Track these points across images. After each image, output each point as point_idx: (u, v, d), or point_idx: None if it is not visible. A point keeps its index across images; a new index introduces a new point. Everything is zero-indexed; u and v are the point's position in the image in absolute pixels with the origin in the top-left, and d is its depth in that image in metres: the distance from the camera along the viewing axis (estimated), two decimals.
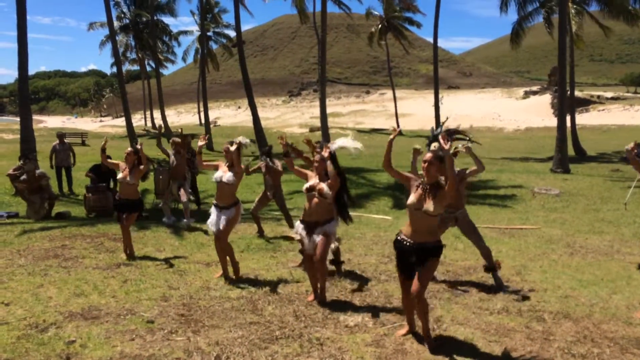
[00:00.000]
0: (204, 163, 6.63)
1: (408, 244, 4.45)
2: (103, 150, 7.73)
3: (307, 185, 5.50)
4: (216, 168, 6.45)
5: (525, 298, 5.75)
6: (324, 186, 5.35)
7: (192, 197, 11.14)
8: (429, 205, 4.33)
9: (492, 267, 6.20)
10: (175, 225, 9.71)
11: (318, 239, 5.41)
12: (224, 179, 6.24)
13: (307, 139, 6.28)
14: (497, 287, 6.07)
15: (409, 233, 4.48)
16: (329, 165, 5.42)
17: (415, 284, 4.38)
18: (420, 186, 4.45)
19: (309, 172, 5.71)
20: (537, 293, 5.94)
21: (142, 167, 7.53)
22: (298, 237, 5.89)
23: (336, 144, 5.57)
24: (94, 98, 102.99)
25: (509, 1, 26.68)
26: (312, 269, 5.56)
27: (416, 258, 4.40)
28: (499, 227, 9.91)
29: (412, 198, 4.44)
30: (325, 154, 5.41)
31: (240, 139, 6.50)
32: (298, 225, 5.66)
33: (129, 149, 7.71)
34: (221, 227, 6.24)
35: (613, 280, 6.45)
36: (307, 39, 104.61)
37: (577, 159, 23.53)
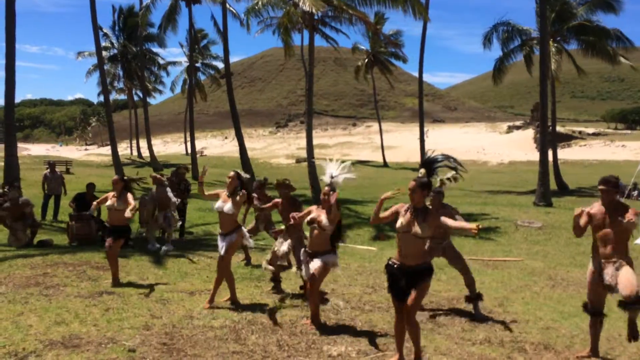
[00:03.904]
0: (207, 193, 6.73)
1: (397, 266, 4.53)
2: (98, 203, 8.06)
3: (308, 218, 5.72)
4: (218, 196, 6.58)
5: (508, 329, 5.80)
6: (322, 219, 5.54)
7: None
8: (417, 228, 4.42)
9: (474, 296, 6.28)
10: (157, 252, 9.71)
11: (315, 265, 5.57)
12: (225, 209, 6.38)
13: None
14: (477, 318, 6.13)
15: (399, 257, 4.56)
16: (334, 205, 5.54)
17: (406, 307, 4.47)
18: (409, 210, 4.54)
19: (310, 208, 5.90)
20: (519, 324, 6.00)
21: (129, 196, 7.56)
22: (271, 269, 6.86)
23: (340, 176, 5.67)
24: (80, 126, 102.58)
25: (492, 38, 27.37)
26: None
27: (407, 281, 4.47)
28: (482, 259, 9.99)
29: (400, 221, 4.53)
30: (333, 199, 5.51)
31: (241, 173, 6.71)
32: (303, 252, 5.88)
33: (116, 176, 7.84)
34: (223, 253, 6.38)
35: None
36: (295, 72, 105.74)
37: (559, 193, 23.84)
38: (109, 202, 7.58)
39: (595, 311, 5.09)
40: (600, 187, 4.97)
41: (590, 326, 5.15)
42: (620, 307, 4.78)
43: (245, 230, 6.68)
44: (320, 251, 5.63)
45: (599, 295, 5.05)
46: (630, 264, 4.85)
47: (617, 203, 4.92)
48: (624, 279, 4.70)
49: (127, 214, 7.15)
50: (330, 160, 5.86)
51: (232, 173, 6.53)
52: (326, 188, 5.64)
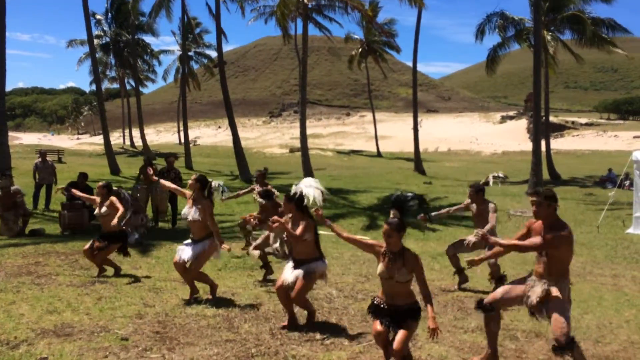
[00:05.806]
0: (172, 186, 6.70)
1: (383, 306, 4.31)
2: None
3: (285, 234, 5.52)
4: (184, 195, 6.31)
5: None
6: (299, 230, 5.29)
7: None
8: (398, 275, 4.20)
9: (499, 277, 6.85)
10: (141, 243, 9.68)
11: (299, 274, 5.26)
12: (190, 217, 6.07)
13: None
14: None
15: (385, 298, 4.34)
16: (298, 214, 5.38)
17: (395, 346, 4.10)
18: (386, 255, 4.29)
19: (286, 219, 5.55)
20: (511, 312, 6.00)
21: (115, 205, 7.29)
22: (256, 254, 7.06)
23: (299, 188, 5.42)
24: (72, 115, 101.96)
25: (485, 29, 27.28)
26: (285, 299, 5.37)
27: (392, 320, 4.22)
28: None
29: (381, 267, 4.28)
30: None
31: (214, 183, 6.24)
32: (289, 262, 5.53)
33: (100, 183, 7.61)
34: (188, 260, 6.04)
35: (585, 301, 6.57)
36: (289, 61, 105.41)
37: (552, 183, 23.97)
38: (96, 211, 7.48)
39: (490, 308, 4.53)
40: (532, 199, 4.41)
41: (485, 325, 4.63)
42: (553, 351, 4.27)
43: (216, 241, 6.09)
44: (307, 259, 5.34)
45: (511, 298, 4.54)
46: (562, 290, 4.30)
47: (549, 218, 4.31)
48: (554, 320, 4.22)
49: (114, 222, 7.10)
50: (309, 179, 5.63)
51: (190, 180, 6.16)
52: (283, 201, 5.42)
